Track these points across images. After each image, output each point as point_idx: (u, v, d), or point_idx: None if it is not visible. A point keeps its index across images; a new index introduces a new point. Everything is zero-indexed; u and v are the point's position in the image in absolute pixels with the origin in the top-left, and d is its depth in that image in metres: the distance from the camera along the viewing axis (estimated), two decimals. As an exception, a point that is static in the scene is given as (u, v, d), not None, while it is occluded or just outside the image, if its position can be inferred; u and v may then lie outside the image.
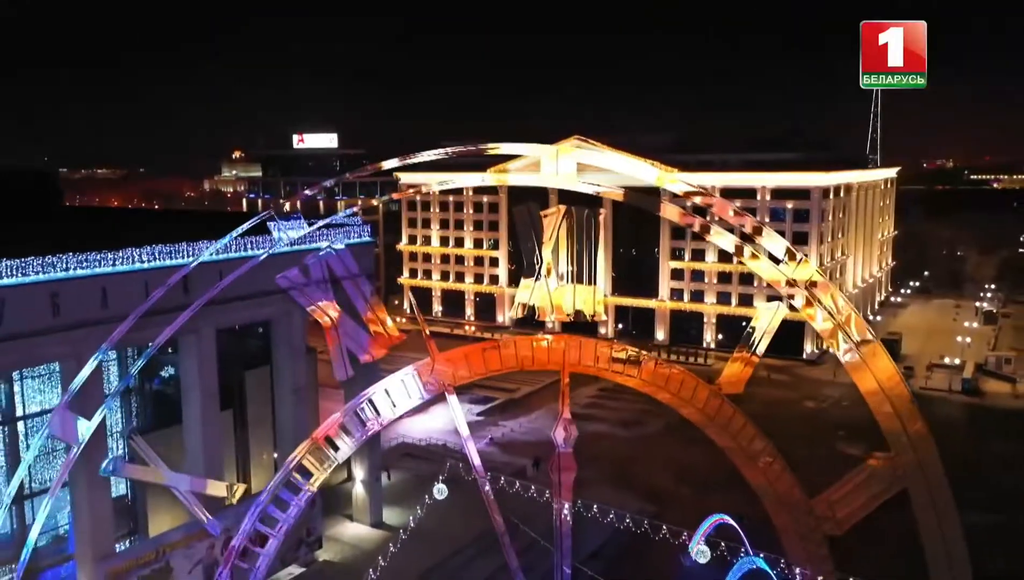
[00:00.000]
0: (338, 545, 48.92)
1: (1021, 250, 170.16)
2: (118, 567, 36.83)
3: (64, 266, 33.95)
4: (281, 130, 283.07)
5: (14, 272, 32.35)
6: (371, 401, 33.72)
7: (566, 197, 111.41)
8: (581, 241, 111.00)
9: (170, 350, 43.57)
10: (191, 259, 36.73)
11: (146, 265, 36.86)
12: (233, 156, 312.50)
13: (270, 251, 32.85)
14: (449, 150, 33.33)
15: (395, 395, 33.98)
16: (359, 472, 53.35)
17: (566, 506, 35.62)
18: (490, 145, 33.96)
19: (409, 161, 35.99)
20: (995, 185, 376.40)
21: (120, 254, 36.00)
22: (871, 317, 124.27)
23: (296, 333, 46.98)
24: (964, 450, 70.17)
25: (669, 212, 42.31)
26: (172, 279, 31.40)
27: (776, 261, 30.19)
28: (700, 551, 33.87)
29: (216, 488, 33.95)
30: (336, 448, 33.05)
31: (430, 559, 47.31)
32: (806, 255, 35.03)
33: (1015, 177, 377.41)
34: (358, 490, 52.94)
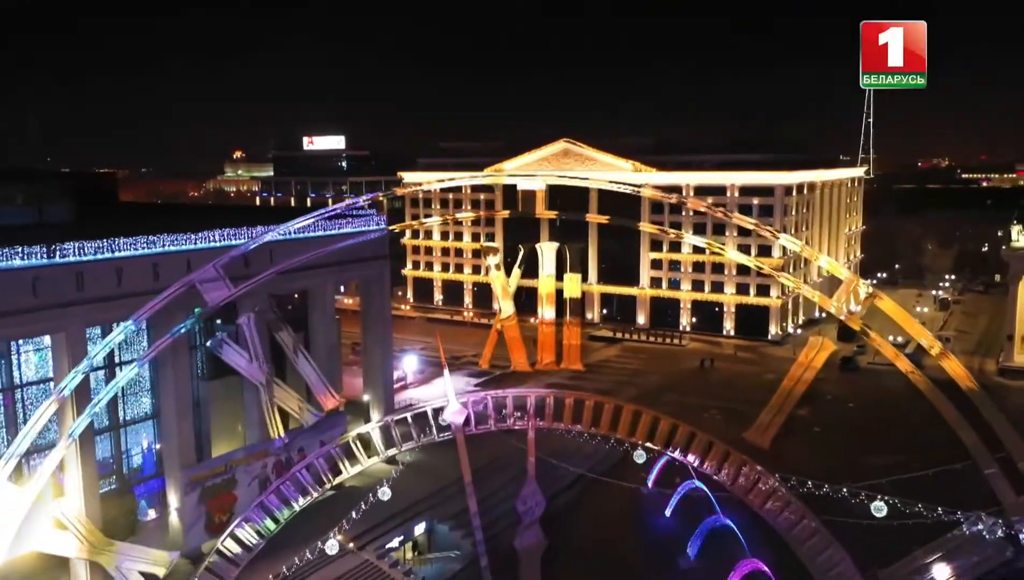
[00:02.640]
0: (360, 476, 59.63)
1: (986, 246, 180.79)
2: (198, 475, 47.85)
3: (161, 244, 45.04)
4: (285, 132, 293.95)
5: (127, 247, 43.46)
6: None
7: (558, 232, 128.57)
8: (575, 265, 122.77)
9: (218, 321, 54.47)
10: (248, 241, 47.93)
11: (218, 244, 47.86)
12: (234, 156, 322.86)
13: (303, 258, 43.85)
14: (455, 178, 44.35)
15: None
16: (376, 416, 64.63)
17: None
18: (492, 174, 45.31)
19: (418, 188, 47.29)
20: (984, 184, 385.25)
21: (200, 236, 47.11)
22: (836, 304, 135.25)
23: (328, 302, 58.24)
24: (898, 410, 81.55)
25: (647, 227, 52.84)
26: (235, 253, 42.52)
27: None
28: (639, 454, 44.41)
29: (155, 561, 41.72)
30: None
31: (433, 486, 58.52)
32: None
33: (1005, 176, 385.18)
34: (376, 434, 63.95)
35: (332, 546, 40.55)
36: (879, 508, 38.11)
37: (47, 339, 45.77)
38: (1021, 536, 37.36)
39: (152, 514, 52.18)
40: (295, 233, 50.98)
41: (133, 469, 51.33)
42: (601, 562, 51.42)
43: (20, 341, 44.51)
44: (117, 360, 49.18)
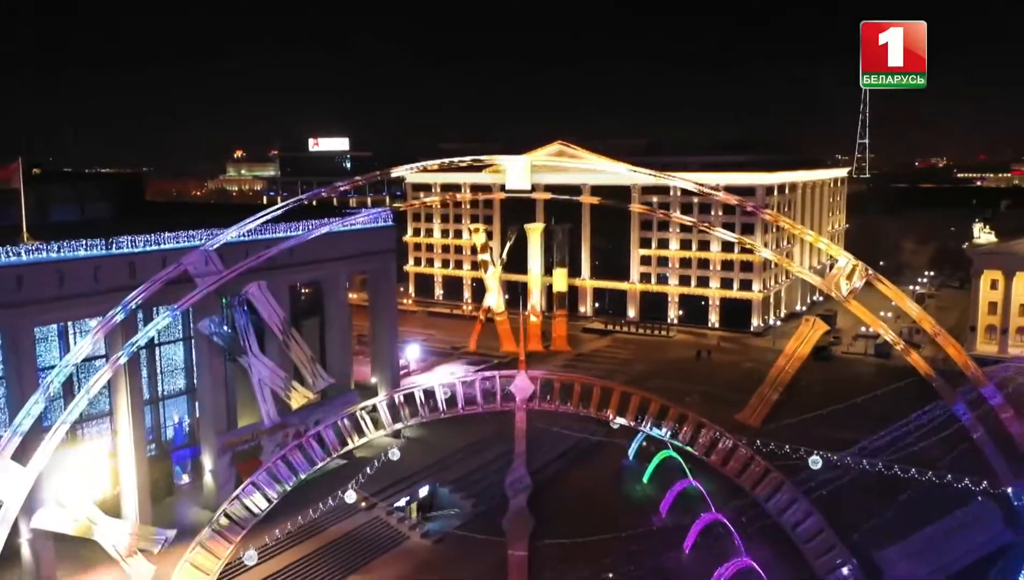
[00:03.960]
0: (369, 447, 66.14)
1: (966, 244, 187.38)
2: (230, 440, 54.44)
3: (199, 238, 51.58)
4: (288, 132, 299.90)
5: (170, 241, 50.08)
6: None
7: (550, 212, 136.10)
8: (564, 246, 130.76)
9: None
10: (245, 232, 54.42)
11: (247, 238, 54.22)
12: (236, 156, 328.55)
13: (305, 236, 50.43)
14: (447, 161, 50.18)
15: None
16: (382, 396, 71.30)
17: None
18: (485, 158, 51.38)
19: (414, 167, 52.91)
20: (979, 183, 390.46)
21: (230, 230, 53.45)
22: (819, 298, 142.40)
23: (341, 292, 64.89)
24: (864, 393, 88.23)
25: (637, 208, 58.42)
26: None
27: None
28: (617, 422, 50.65)
29: (145, 538, 43.81)
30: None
31: (435, 456, 65.30)
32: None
33: (1000, 176, 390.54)
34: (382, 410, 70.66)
35: (350, 496, 46.95)
36: (815, 462, 44.31)
37: (92, 322, 52.31)
38: (1016, 504, 39.32)
39: (186, 478, 58.96)
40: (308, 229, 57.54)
41: (167, 440, 58.06)
42: (585, 519, 57.90)
43: (69, 323, 51.12)
44: (156, 341, 56.13)
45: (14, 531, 45.43)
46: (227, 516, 45.69)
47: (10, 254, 43.67)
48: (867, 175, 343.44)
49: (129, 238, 48.29)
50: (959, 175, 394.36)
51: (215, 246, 42.54)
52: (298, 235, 50.01)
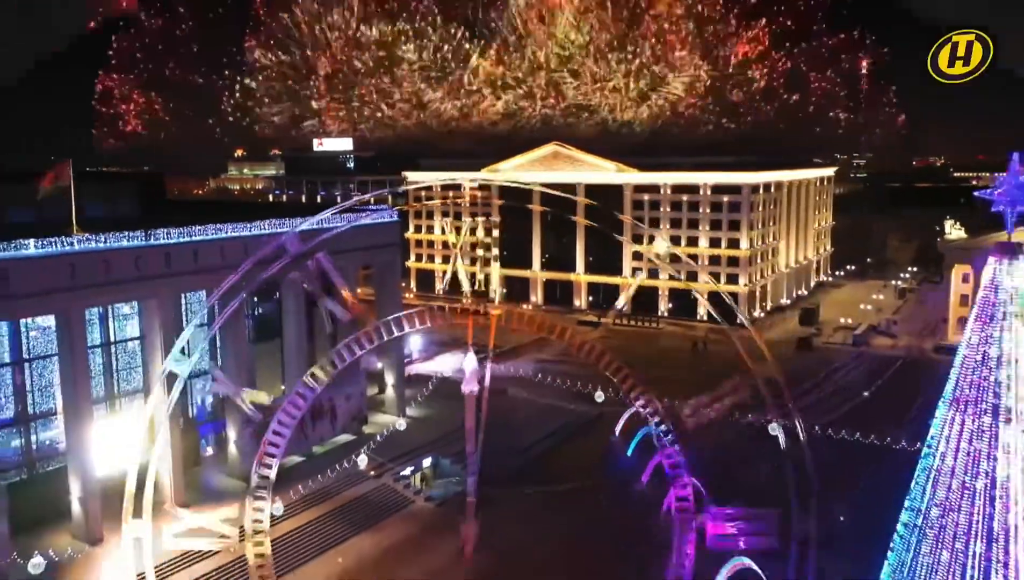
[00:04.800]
0: (376, 425, 72.23)
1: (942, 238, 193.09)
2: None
3: (225, 232, 57.33)
4: (293, 133, 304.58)
5: (200, 233, 55.78)
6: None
7: (550, 228, 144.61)
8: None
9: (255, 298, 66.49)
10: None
11: (266, 231, 60.05)
12: (236, 155, 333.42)
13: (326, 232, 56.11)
14: (449, 179, 55.99)
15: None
16: (390, 381, 77.08)
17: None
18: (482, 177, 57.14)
19: (417, 185, 58.80)
20: (975, 182, 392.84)
21: (252, 225, 59.31)
22: (804, 293, 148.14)
23: (351, 283, 70.53)
24: (844, 379, 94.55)
25: (626, 219, 63.70)
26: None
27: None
28: (599, 395, 56.47)
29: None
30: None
31: (435, 434, 71.03)
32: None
33: (997, 175, 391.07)
34: (389, 393, 76.52)
35: (362, 460, 52.73)
36: (774, 428, 50.03)
37: (125, 308, 58.20)
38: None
39: (210, 450, 64.76)
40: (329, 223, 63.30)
41: (193, 416, 63.86)
42: (575, 487, 63.79)
43: (104, 309, 56.81)
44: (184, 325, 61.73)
45: (65, 490, 51.73)
46: (271, 441, 48.34)
47: (64, 245, 49.36)
48: (864, 174, 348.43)
49: (164, 231, 53.97)
50: (956, 174, 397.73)
51: (299, 229, 46.48)
52: (336, 227, 55.28)
